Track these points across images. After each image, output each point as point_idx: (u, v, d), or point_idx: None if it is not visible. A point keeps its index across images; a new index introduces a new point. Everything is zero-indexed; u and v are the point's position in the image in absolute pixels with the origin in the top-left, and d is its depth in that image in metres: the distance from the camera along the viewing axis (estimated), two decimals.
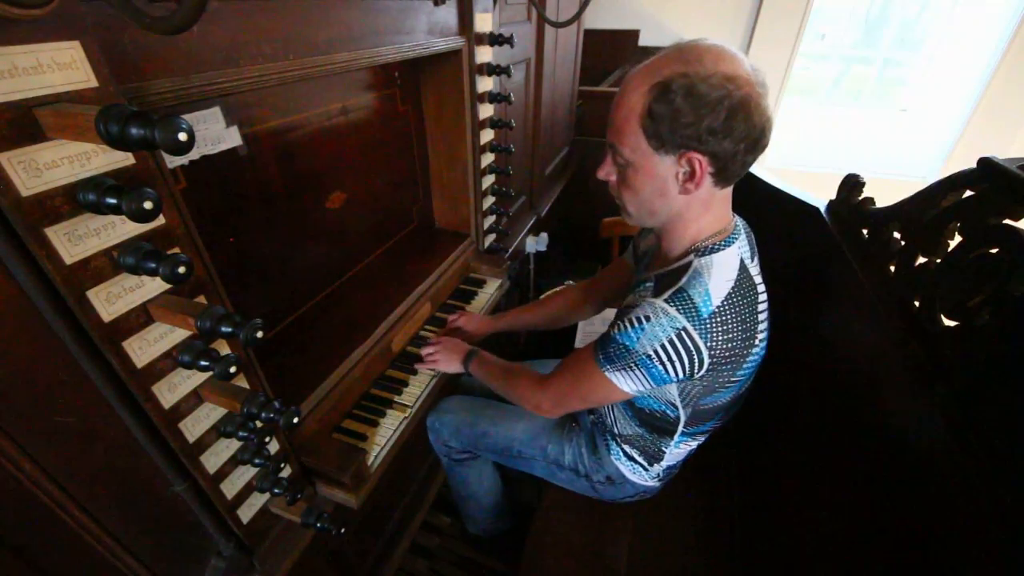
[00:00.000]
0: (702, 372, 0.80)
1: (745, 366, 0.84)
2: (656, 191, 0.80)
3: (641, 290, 0.88)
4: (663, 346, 0.77)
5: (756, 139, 0.72)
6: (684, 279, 0.79)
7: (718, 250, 0.82)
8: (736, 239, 0.85)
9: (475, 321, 1.37)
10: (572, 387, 0.96)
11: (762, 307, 0.83)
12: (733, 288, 0.79)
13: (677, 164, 0.76)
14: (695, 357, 0.78)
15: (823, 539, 0.96)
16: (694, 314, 0.76)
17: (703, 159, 0.74)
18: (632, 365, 0.81)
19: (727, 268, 0.80)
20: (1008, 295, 0.68)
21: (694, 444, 1.07)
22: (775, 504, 1.18)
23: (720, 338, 0.77)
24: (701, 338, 0.76)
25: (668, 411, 0.96)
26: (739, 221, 0.91)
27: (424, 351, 1.24)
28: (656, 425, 1.01)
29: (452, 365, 1.21)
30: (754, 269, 0.85)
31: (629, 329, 0.80)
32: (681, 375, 0.81)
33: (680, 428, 0.99)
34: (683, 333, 0.76)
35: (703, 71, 0.69)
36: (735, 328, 0.78)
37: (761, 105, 0.71)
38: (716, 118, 0.69)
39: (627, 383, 0.85)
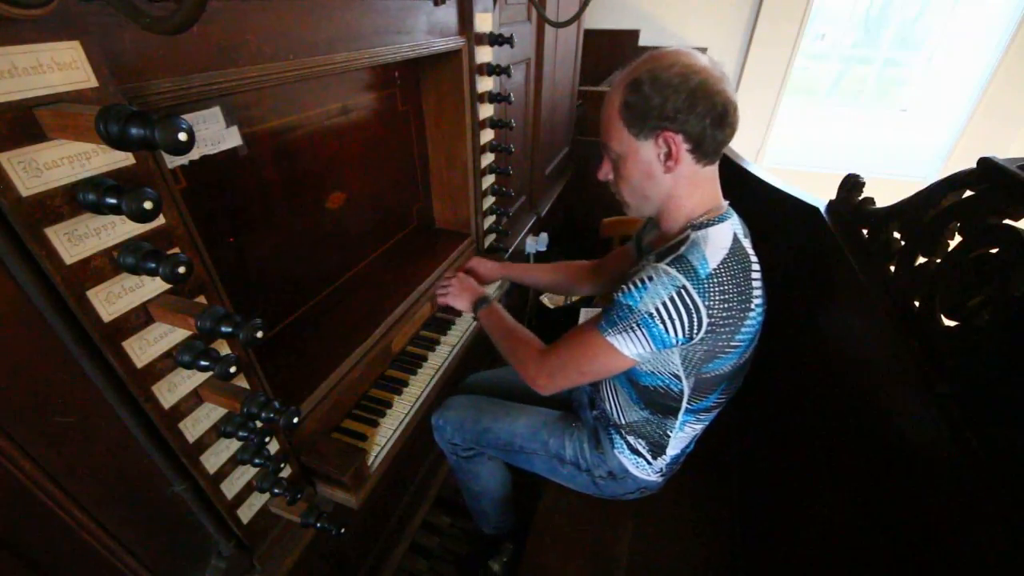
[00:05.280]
0: (701, 333, 0.85)
1: (743, 330, 0.88)
2: (644, 175, 0.91)
3: (644, 261, 0.94)
4: (664, 304, 0.83)
5: (720, 115, 0.82)
6: (683, 248, 0.87)
7: (713, 224, 0.90)
8: (729, 217, 0.93)
9: (486, 264, 1.46)
10: (571, 358, 0.97)
11: (756, 275, 0.89)
12: (728, 255, 0.86)
13: (656, 145, 0.86)
14: (694, 316, 0.83)
15: (823, 538, 0.96)
16: (693, 275, 0.83)
17: (677, 137, 0.84)
18: (634, 325, 0.86)
19: (722, 238, 0.88)
20: (1008, 295, 0.68)
21: (698, 427, 1.08)
22: (775, 503, 1.18)
23: (717, 298, 0.83)
24: (700, 297, 0.82)
25: (672, 385, 0.97)
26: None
27: (438, 286, 1.30)
28: (660, 403, 1.02)
29: (461, 302, 1.27)
30: (747, 242, 0.92)
31: (633, 290, 0.86)
32: (680, 335, 0.85)
33: (684, 404, 1.00)
34: (683, 291, 0.82)
35: (664, 63, 0.82)
36: (731, 290, 0.85)
37: (718, 87, 0.81)
38: (679, 98, 0.80)
39: (628, 346, 0.88)
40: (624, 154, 0.90)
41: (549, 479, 1.29)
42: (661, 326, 0.84)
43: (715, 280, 0.83)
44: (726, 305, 0.84)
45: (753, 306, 0.88)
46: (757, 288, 0.89)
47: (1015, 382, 0.65)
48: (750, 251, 0.91)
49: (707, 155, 0.87)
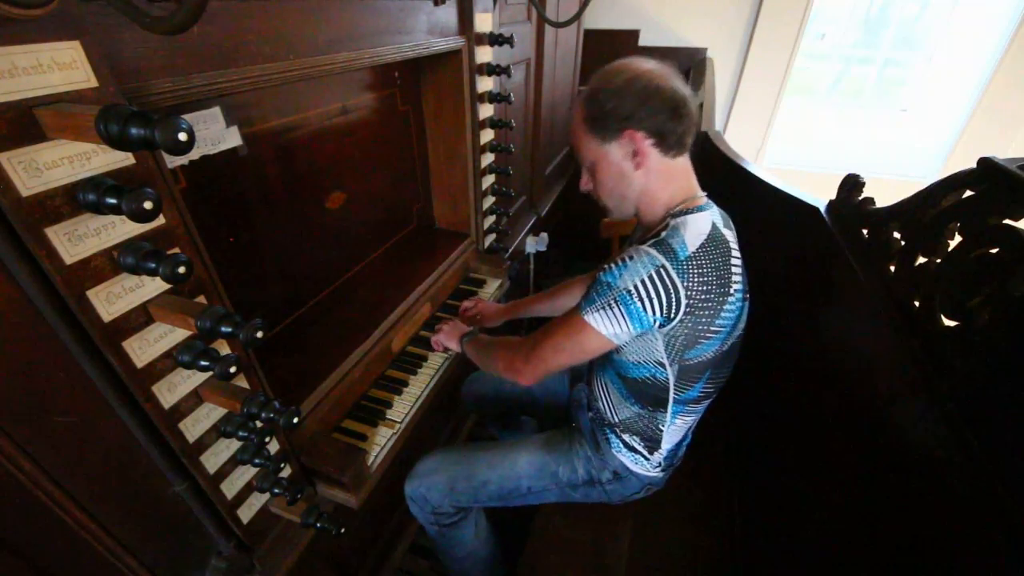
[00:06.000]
0: (680, 315, 0.87)
1: (723, 315, 0.91)
2: (617, 175, 0.96)
3: (628, 247, 0.97)
4: (643, 281, 0.85)
5: (673, 108, 0.89)
6: (664, 233, 0.90)
7: (692, 213, 0.94)
8: (708, 208, 0.96)
9: (489, 308, 1.48)
10: (547, 337, 0.99)
11: (735, 261, 0.93)
12: (706, 240, 0.89)
13: (621, 145, 0.93)
14: (672, 296, 0.85)
15: (822, 539, 0.96)
16: (672, 256, 0.86)
17: (638, 134, 0.90)
18: (612, 302, 0.88)
19: (700, 224, 0.92)
20: (1008, 295, 0.68)
21: (690, 419, 1.08)
22: (774, 504, 1.18)
23: (696, 280, 0.86)
24: (679, 277, 0.85)
25: (657, 374, 0.98)
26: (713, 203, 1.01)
27: (436, 330, 1.34)
28: (649, 395, 1.03)
29: (451, 343, 1.29)
30: (728, 232, 0.96)
31: (613, 268, 0.89)
32: (659, 314, 0.87)
33: (671, 395, 1.00)
34: (662, 270, 0.85)
35: (613, 73, 0.92)
36: (710, 273, 0.88)
37: (663, 85, 0.89)
38: (631, 99, 0.89)
39: (605, 324, 0.90)
40: (596, 160, 0.97)
41: None
42: (639, 303, 0.86)
43: (694, 263, 0.86)
44: (705, 288, 0.87)
45: (732, 291, 0.90)
46: (737, 274, 0.92)
47: (1015, 382, 0.65)
48: (730, 239, 0.94)
49: (672, 147, 0.92)
